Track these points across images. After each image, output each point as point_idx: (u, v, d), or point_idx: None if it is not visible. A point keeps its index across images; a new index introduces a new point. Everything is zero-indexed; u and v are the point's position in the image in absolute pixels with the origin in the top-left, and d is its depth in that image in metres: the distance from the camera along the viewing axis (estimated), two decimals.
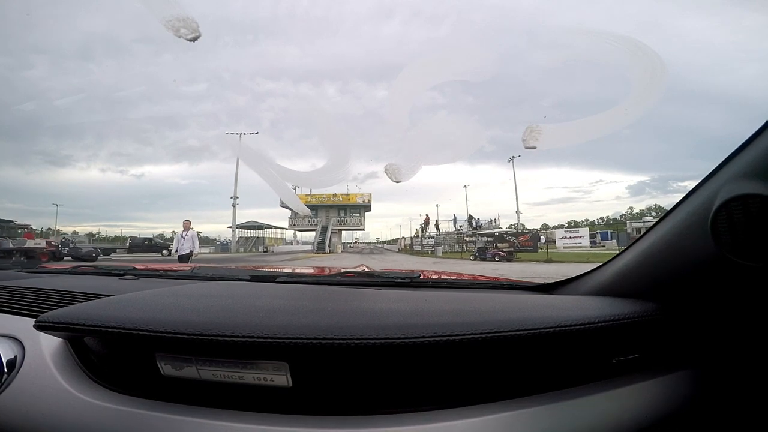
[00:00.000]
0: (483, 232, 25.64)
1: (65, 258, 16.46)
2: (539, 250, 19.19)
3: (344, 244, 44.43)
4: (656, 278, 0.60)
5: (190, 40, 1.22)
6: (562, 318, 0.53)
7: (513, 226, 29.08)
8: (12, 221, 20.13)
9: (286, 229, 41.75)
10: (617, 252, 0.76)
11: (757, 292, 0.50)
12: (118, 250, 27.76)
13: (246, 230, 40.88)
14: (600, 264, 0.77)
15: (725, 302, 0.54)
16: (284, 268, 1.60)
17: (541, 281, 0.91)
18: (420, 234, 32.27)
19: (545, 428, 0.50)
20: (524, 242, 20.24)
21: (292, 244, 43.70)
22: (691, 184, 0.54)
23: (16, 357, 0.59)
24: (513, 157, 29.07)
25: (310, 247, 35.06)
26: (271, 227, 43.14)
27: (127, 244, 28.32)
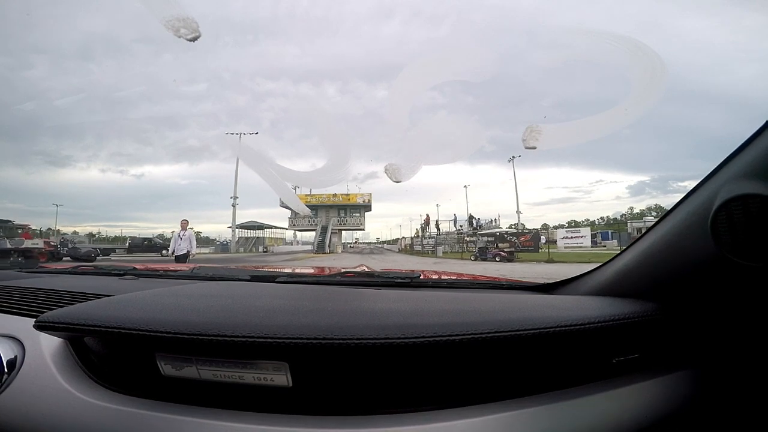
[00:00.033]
0: (484, 232, 25.64)
1: (64, 258, 16.38)
2: (540, 250, 19.18)
3: (344, 244, 44.43)
4: (656, 278, 0.60)
5: (190, 40, 1.22)
6: (562, 318, 0.53)
7: (513, 226, 29.09)
8: (10, 221, 19.89)
9: (286, 229, 41.78)
10: (618, 252, 0.76)
11: (757, 292, 0.50)
12: (117, 251, 27.73)
13: (246, 230, 40.90)
14: (600, 264, 0.77)
15: (725, 302, 0.54)
16: (284, 268, 1.60)
17: (542, 281, 0.91)
18: (420, 234, 32.25)
19: (545, 428, 0.50)
20: (525, 242, 20.23)
21: (292, 244, 43.70)
22: (691, 184, 0.54)
23: (16, 357, 0.59)
24: (513, 157, 29.11)
25: (310, 247, 35.05)
26: (271, 227, 43.16)
27: (127, 244, 28.32)
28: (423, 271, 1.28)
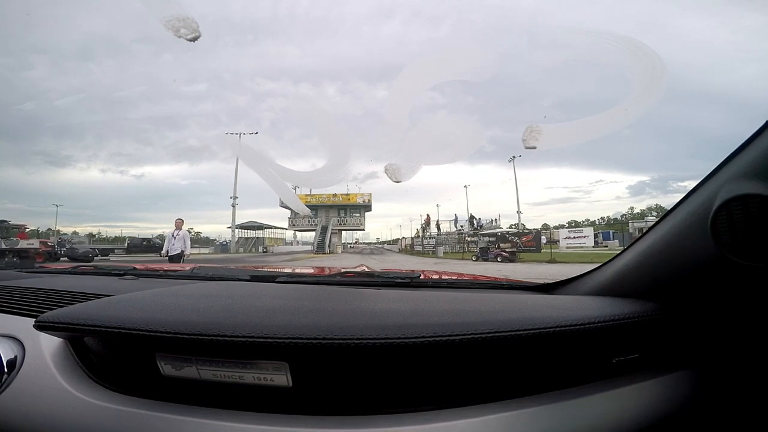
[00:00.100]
0: (485, 232, 25.64)
1: (61, 259, 16.30)
2: (542, 250, 19.17)
3: (344, 245, 44.44)
4: (656, 278, 0.60)
5: (190, 40, 1.22)
6: (562, 318, 0.53)
7: (514, 226, 29.11)
8: (6, 221, 19.68)
9: (286, 229, 41.77)
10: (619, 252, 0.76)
11: (757, 292, 0.50)
12: (116, 251, 27.72)
13: (246, 230, 40.90)
14: (600, 264, 0.77)
15: (725, 302, 0.54)
16: (284, 268, 1.60)
17: (543, 282, 0.91)
18: (421, 234, 32.24)
19: (545, 428, 0.50)
20: (527, 242, 20.23)
21: (292, 245, 43.70)
22: (691, 184, 0.54)
23: (16, 357, 0.59)
24: (513, 157, 29.09)
25: (310, 248, 35.05)
26: (270, 227, 43.17)
27: (126, 244, 28.30)
28: (423, 271, 1.28)
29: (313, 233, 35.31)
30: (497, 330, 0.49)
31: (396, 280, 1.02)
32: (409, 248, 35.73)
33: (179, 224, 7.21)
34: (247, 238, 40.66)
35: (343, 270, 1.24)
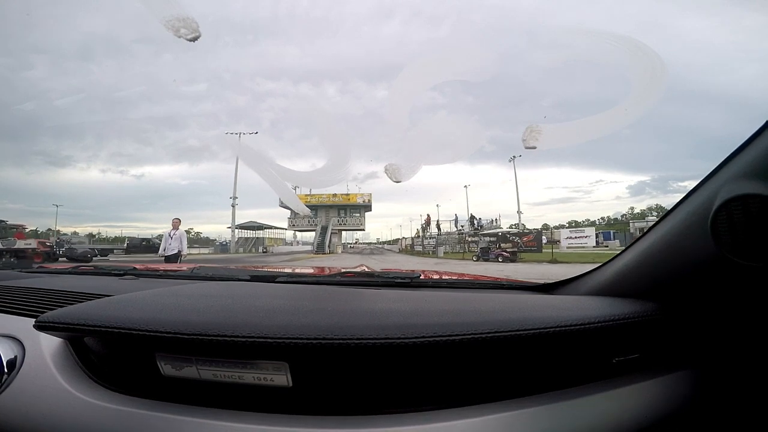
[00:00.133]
0: (485, 232, 25.64)
1: (60, 259, 16.22)
2: (543, 250, 19.16)
3: (344, 245, 44.47)
4: (656, 278, 0.60)
5: (190, 40, 1.22)
6: (562, 318, 0.53)
7: (514, 226, 29.12)
8: (3, 221, 19.54)
9: (286, 229, 41.82)
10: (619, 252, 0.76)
11: (757, 292, 0.50)
12: (115, 251, 27.69)
13: (246, 230, 40.92)
14: (600, 264, 0.77)
15: (725, 302, 0.54)
16: (284, 268, 1.60)
17: (543, 282, 0.91)
18: (421, 234, 32.24)
19: (545, 428, 0.50)
20: (528, 242, 20.24)
21: (291, 245, 43.72)
22: (691, 184, 0.54)
23: (16, 357, 0.59)
24: (514, 156, 29.12)
25: (309, 248, 35.08)
26: (270, 227, 43.21)
27: (125, 244, 28.28)
28: (423, 271, 1.28)
29: (313, 233, 35.35)
30: (497, 330, 0.49)
31: (396, 280, 1.02)
32: (410, 248, 35.77)
33: (176, 224, 7.11)
34: (247, 238, 40.70)
35: (343, 270, 1.24)
